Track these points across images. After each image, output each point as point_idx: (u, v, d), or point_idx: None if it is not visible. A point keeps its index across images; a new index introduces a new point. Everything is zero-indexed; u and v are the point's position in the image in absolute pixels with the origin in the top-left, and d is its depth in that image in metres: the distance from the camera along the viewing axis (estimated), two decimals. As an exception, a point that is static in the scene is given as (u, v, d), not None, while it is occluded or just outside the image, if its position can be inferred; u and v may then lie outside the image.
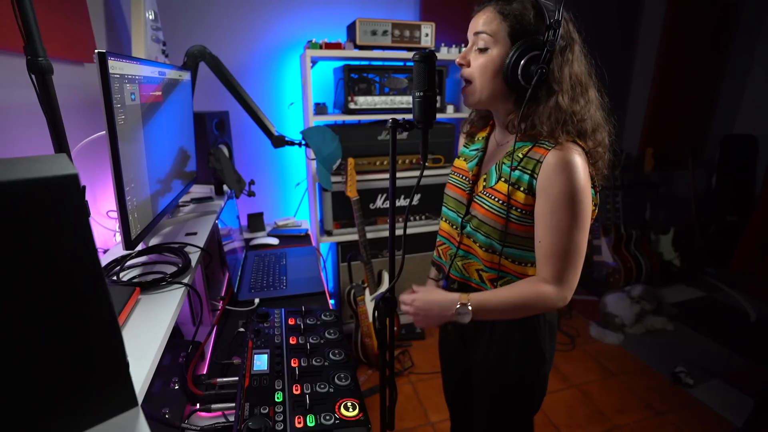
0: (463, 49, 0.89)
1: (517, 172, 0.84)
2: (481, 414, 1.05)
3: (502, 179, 0.87)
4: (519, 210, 0.84)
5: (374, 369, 2.18)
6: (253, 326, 1.04)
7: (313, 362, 0.91)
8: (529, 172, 0.82)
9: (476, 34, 0.84)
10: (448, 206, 1.02)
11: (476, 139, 1.03)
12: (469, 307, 0.84)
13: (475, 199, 0.92)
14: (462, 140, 1.10)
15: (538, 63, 0.77)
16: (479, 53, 0.84)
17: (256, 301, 1.35)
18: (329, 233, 2.20)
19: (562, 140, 0.80)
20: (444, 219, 1.04)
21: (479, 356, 1.01)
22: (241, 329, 1.16)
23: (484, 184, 0.92)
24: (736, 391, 2.08)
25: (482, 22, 0.83)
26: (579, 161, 0.79)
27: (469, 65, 0.87)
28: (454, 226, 0.98)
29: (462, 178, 0.99)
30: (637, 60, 3.11)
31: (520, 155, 0.84)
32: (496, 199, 0.87)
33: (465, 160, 1.01)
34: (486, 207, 0.88)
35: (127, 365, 0.52)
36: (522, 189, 0.83)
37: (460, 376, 1.13)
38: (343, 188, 2.04)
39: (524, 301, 0.84)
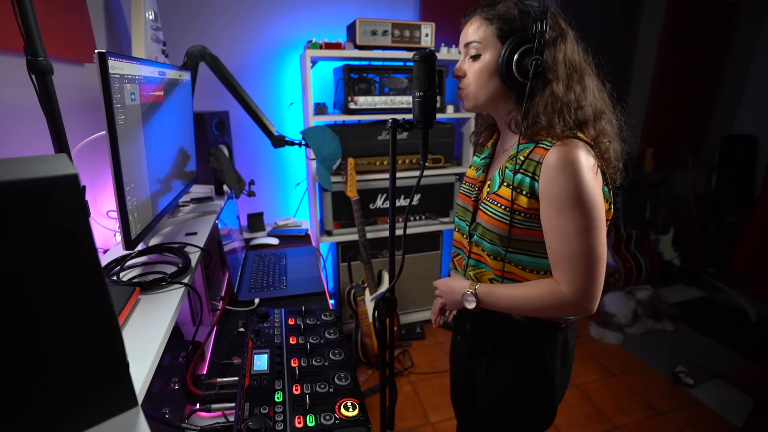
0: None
1: (519, 176, 0.81)
2: (484, 428, 1.04)
3: (505, 184, 0.84)
4: (523, 214, 0.80)
5: (374, 369, 2.18)
6: (253, 326, 1.04)
7: (313, 362, 0.91)
8: (530, 174, 0.79)
9: (467, 45, 0.85)
10: (458, 215, 1.01)
11: (486, 148, 1.02)
12: (475, 294, 0.85)
13: (480, 206, 0.90)
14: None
15: (531, 56, 0.77)
16: (473, 61, 0.85)
17: (256, 301, 1.35)
18: (329, 233, 2.20)
19: (559, 130, 0.77)
20: (456, 229, 1.02)
21: (483, 371, 1.00)
22: (241, 329, 1.16)
23: (488, 190, 0.89)
24: (736, 391, 2.08)
25: (470, 32, 0.84)
26: (582, 157, 0.74)
27: (465, 75, 0.87)
28: (464, 235, 0.96)
29: (470, 186, 0.98)
30: (637, 60, 3.11)
31: (522, 158, 0.81)
32: (499, 205, 0.84)
33: (475, 169, 1.00)
34: (489, 213, 0.86)
35: (127, 365, 0.52)
36: (524, 193, 0.80)
37: (467, 387, 1.12)
38: (343, 188, 2.04)
39: (530, 298, 0.81)
